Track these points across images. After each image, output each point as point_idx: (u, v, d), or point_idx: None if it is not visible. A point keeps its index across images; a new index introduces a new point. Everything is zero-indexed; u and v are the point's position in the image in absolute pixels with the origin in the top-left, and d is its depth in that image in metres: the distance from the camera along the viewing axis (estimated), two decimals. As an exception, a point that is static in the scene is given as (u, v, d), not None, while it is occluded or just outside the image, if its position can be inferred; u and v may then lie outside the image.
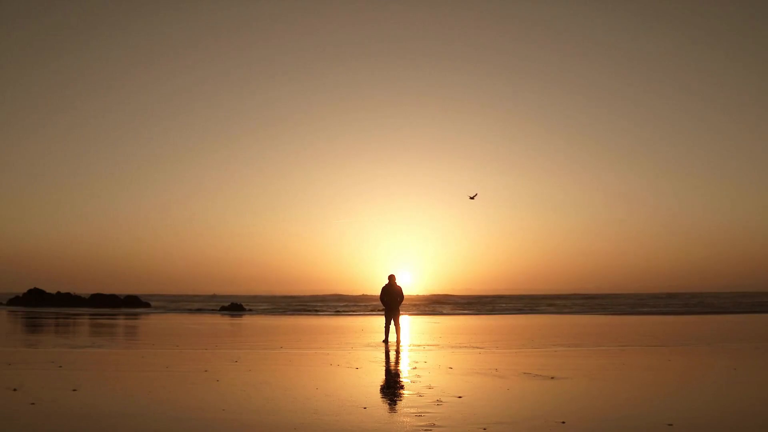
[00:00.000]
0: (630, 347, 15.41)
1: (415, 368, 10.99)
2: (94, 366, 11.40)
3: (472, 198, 22.41)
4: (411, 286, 69.28)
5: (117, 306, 49.01)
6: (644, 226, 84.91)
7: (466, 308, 54.30)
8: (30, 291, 50.45)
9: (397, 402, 7.58)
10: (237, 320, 32.14)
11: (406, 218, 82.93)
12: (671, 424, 6.23)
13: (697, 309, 47.42)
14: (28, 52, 79.16)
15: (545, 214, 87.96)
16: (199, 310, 47.40)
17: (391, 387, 8.82)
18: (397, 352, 14.25)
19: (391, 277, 17.15)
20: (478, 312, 46.61)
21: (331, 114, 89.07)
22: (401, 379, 9.65)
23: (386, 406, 7.31)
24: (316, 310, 50.05)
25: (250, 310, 48.26)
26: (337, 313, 45.47)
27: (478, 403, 7.46)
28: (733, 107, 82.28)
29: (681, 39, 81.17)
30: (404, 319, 27.24)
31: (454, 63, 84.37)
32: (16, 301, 50.10)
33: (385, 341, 16.69)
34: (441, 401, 7.50)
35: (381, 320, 23.60)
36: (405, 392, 8.28)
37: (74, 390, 8.29)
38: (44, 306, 46.90)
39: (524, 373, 10.21)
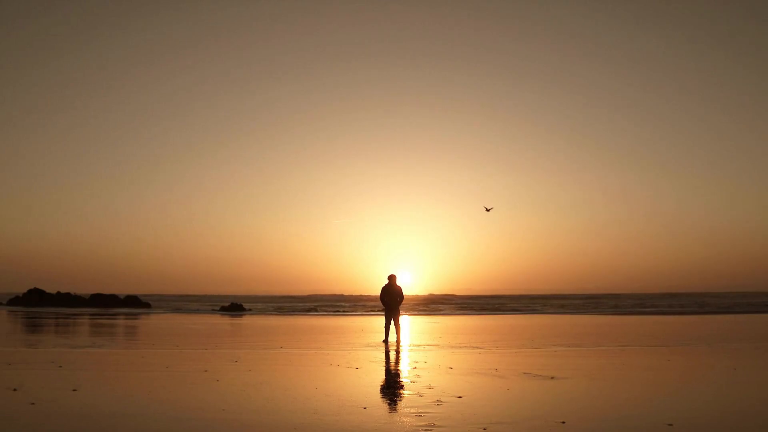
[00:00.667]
0: (630, 347, 15.41)
1: (415, 368, 10.99)
2: (94, 366, 11.40)
3: (488, 210, 22.59)
4: (411, 286, 69.28)
5: (117, 306, 49.00)
6: (644, 226, 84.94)
7: (466, 308, 54.29)
8: (30, 291, 50.46)
9: (397, 402, 7.58)
10: (237, 320, 32.13)
11: (406, 218, 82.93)
12: (671, 424, 6.23)
13: (697, 309, 47.41)
14: (28, 52, 79.24)
15: (545, 214, 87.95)
16: (197, 311, 47.39)
17: (391, 387, 8.82)
18: (397, 352, 14.25)
19: (391, 277, 17.15)
20: (478, 312, 46.61)
21: (331, 114, 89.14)
22: (401, 379, 9.65)
23: (386, 406, 7.31)
24: (316, 310, 50.05)
25: (250, 310, 48.25)
26: (337, 313, 45.46)
27: (478, 403, 7.46)
28: (733, 107, 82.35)
29: (681, 39, 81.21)
30: (404, 319, 27.24)
31: (454, 63, 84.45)
32: (16, 301, 50.09)
33: (385, 341, 16.70)
34: (441, 401, 7.50)
35: (381, 320, 23.60)
36: (405, 392, 8.28)
37: (74, 390, 8.29)
38: (44, 306, 46.89)
39: (524, 373, 10.21)
